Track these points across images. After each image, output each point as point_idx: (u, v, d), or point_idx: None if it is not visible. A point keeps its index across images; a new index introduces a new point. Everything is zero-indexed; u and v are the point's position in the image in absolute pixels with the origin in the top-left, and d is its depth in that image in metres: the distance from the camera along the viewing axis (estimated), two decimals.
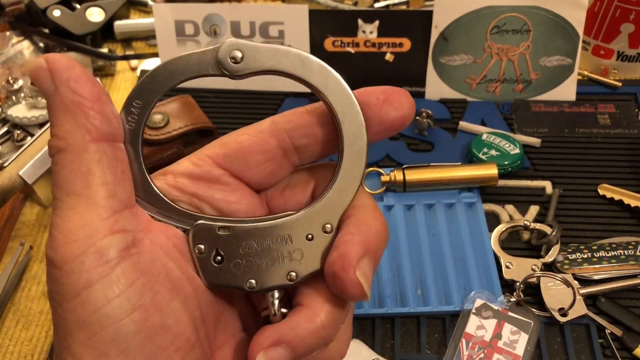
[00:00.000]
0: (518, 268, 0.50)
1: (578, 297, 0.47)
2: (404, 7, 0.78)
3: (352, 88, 0.27)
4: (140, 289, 0.24)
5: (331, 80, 0.26)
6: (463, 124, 0.62)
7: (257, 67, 0.26)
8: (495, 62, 0.64)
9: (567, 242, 0.52)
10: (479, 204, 0.54)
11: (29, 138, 0.60)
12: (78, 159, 0.24)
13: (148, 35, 0.77)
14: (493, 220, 0.55)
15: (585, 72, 0.68)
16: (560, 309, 0.47)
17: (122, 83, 0.72)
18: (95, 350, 0.23)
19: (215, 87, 0.66)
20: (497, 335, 0.46)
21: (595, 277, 0.49)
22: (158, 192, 0.27)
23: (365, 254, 0.26)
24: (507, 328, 0.46)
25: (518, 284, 0.48)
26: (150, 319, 0.24)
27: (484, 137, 0.59)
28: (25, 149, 0.57)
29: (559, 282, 0.48)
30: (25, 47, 0.73)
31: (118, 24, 0.76)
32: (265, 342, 0.25)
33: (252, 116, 0.63)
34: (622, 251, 0.50)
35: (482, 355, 0.45)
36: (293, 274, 0.27)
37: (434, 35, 0.63)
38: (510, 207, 0.55)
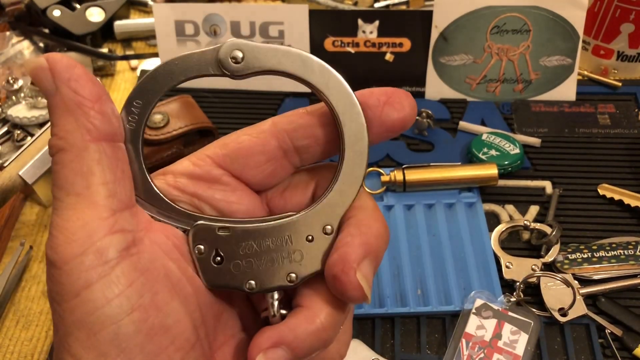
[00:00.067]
0: (518, 268, 0.50)
1: (578, 297, 0.47)
2: (404, 7, 0.78)
3: (353, 88, 0.26)
4: (139, 289, 0.24)
5: (332, 81, 0.26)
6: (463, 124, 0.62)
7: (257, 67, 0.26)
8: (495, 62, 0.64)
9: (567, 242, 0.52)
10: (479, 204, 0.54)
11: (29, 138, 0.60)
12: (78, 158, 0.24)
13: (148, 35, 0.77)
14: (493, 220, 0.55)
15: (585, 72, 0.68)
16: (560, 309, 0.47)
17: (122, 83, 0.72)
18: (95, 350, 0.23)
19: (215, 87, 0.66)
20: (497, 335, 0.46)
21: (595, 277, 0.49)
22: (158, 192, 0.27)
23: (365, 255, 0.26)
24: (507, 328, 0.46)
25: (518, 284, 0.48)
26: (149, 319, 0.24)
27: (484, 137, 0.59)
28: (25, 149, 0.57)
29: (559, 282, 0.48)
30: (25, 47, 0.73)
31: (118, 24, 0.76)
32: (264, 344, 0.25)
33: (252, 116, 0.63)
34: (622, 251, 0.50)
35: (482, 355, 0.45)
36: (293, 275, 0.27)
37: (434, 35, 0.63)
38: (510, 207, 0.55)
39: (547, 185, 0.57)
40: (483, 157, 0.57)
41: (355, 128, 0.26)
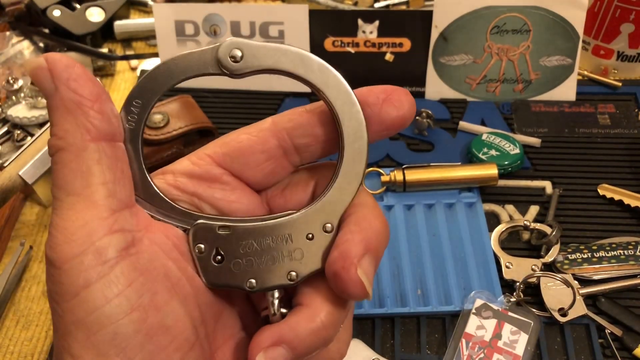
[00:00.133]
0: (518, 268, 0.50)
1: (578, 297, 0.47)
2: (404, 7, 0.78)
3: (352, 88, 0.26)
4: (139, 288, 0.24)
5: (331, 79, 0.26)
6: (463, 124, 0.62)
7: (257, 66, 0.26)
8: (495, 62, 0.64)
9: (567, 242, 0.52)
10: (479, 204, 0.54)
11: (29, 138, 0.60)
12: (77, 158, 0.23)
13: (148, 35, 0.77)
14: (493, 220, 0.55)
15: (585, 72, 0.68)
16: (560, 309, 0.47)
17: (122, 83, 0.72)
18: (94, 349, 0.23)
19: (215, 87, 0.66)
20: (497, 335, 0.46)
21: (595, 277, 0.49)
22: (158, 191, 0.27)
23: (366, 252, 0.26)
24: (507, 328, 0.46)
25: (518, 284, 0.48)
26: (149, 319, 0.24)
27: (484, 137, 0.59)
28: (25, 149, 0.57)
29: (559, 282, 0.48)
30: (25, 47, 0.73)
31: (118, 24, 0.76)
32: (265, 342, 0.25)
33: (252, 116, 0.63)
34: (622, 251, 0.50)
35: (482, 355, 0.45)
36: (293, 273, 0.27)
37: (434, 35, 0.63)
38: (510, 207, 0.55)
39: (547, 185, 0.57)
40: (483, 157, 0.57)
41: (355, 126, 0.26)
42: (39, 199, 0.58)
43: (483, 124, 0.63)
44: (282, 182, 0.29)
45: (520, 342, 0.45)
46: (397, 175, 0.54)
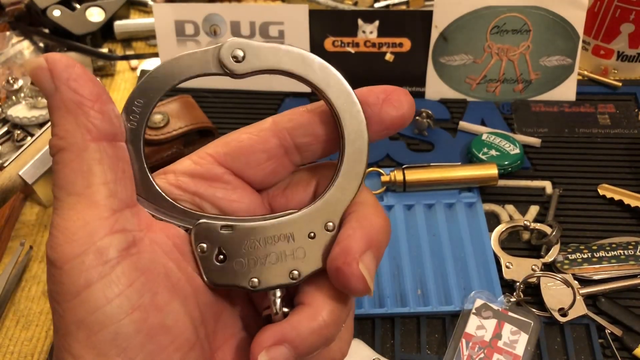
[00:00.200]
0: (518, 268, 0.50)
1: (578, 297, 0.47)
2: (404, 7, 0.78)
3: (352, 88, 0.27)
4: (140, 288, 0.24)
5: (332, 79, 0.26)
6: (463, 124, 0.62)
7: (258, 66, 0.26)
8: (495, 62, 0.64)
9: (567, 242, 0.52)
10: (479, 204, 0.54)
11: (29, 138, 0.60)
12: (78, 158, 0.23)
13: (148, 35, 0.77)
14: (493, 220, 0.55)
15: (585, 72, 0.68)
16: (560, 309, 0.47)
17: (122, 83, 0.72)
18: (95, 349, 0.23)
19: (215, 87, 0.66)
20: (497, 335, 0.46)
21: (595, 277, 0.49)
22: (160, 191, 0.27)
23: (367, 248, 0.26)
24: (507, 328, 0.46)
25: (518, 284, 0.48)
26: (149, 319, 0.24)
27: (484, 137, 0.59)
28: (25, 149, 0.57)
29: (559, 282, 0.48)
30: (25, 47, 0.73)
31: (118, 24, 0.76)
32: (267, 341, 0.25)
33: (252, 116, 0.63)
34: (622, 251, 0.50)
35: (482, 355, 0.45)
36: (295, 272, 0.27)
37: (434, 35, 0.63)
38: (510, 207, 0.55)
39: (547, 185, 0.57)
40: (483, 157, 0.57)
41: (355, 125, 0.26)
42: (39, 199, 0.58)
43: (483, 124, 0.63)
44: (283, 181, 0.29)
45: (520, 342, 0.45)
46: (397, 175, 0.54)
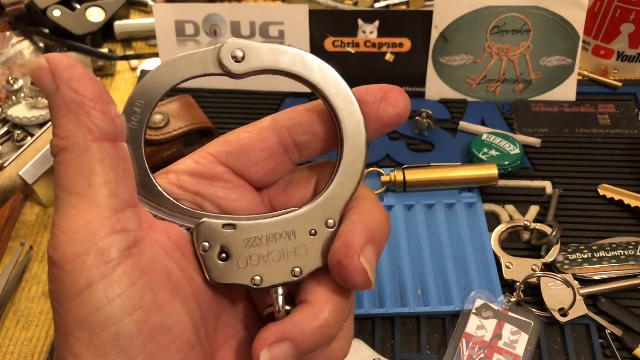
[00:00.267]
0: (518, 268, 0.50)
1: (578, 297, 0.47)
2: (404, 7, 0.78)
3: (352, 88, 0.27)
4: (141, 288, 0.24)
5: (330, 79, 0.27)
6: (463, 124, 0.62)
7: (257, 66, 0.26)
8: (495, 62, 0.64)
9: (567, 242, 0.52)
10: (479, 204, 0.54)
11: (29, 138, 0.60)
12: (80, 158, 0.23)
13: (148, 35, 0.77)
14: (493, 220, 0.55)
15: (585, 72, 0.68)
16: (560, 309, 0.47)
17: (122, 83, 0.72)
18: (96, 349, 0.23)
19: (215, 87, 0.66)
20: (497, 335, 0.46)
21: (595, 277, 0.49)
22: (161, 190, 0.27)
23: (368, 242, 0.26)
24: (507, 328, 0.46)
25: (518, 284, 0.48)
26: (151, 319, 0.24)
27: (484, 137, 0.59)
28: (25, 149, 0.57)
29: (559, 282, 0.48)
30: (25, 47, 0.73)
31: (118, 24, 0.76)
32: (269, 339, 0.25)
33: (252, 116, 0.63)
34: (622, 251, 0.50)
35: (482, 355, 0.45)
36: (297, 269, 0.27)
37: (434, 35, 0.63)
38: (510, 207, 0.55)
39: (547, 185, 0.57)
40: (483, 157, 0.57)
41: (354, 124, 0.27)
42: (39, 199, 0.58)
43: (483, 124, 0.63)
44: (283, 180, 0.29)
45: (521, 342, 0.45)
46: (397, 175, 0.54)
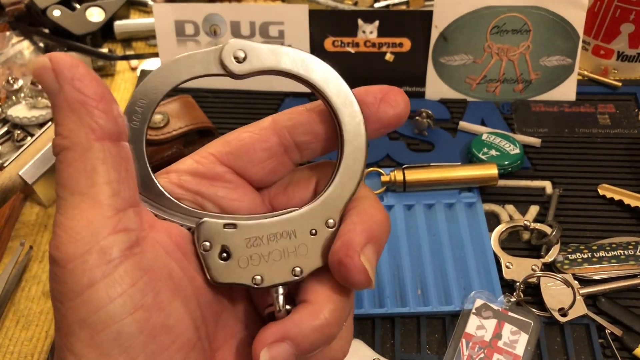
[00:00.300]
0: (518, 268, 0.50)
1: (578, 297, 0.47)
2: (404, 7, 0.78)
3: (352, 88, 0.27)
4: (142, 288, 0.24)
5: (331, 80, 0.27)
6: (463, 124, 0.62)
7: (259, 67, 0.26)
8: (495, 62, 0.64)
9: (567, 242, 0.52)
10: (479, 204, 0.54)
11: (29, 138, 0.60)
12: (82, 157, 0.23)
13: (148, 35, 0.77)
14: (493, 220, 0.55)
15: (585, 72, 0.68)
16: (560, 309, 0.47)
17: (122, 83, 0.72)
18: (97, 349, 0.23)
19: (215, 87, 0.66)
20: (497, 335, 0.46)
21: (595, 277, 0.50)
22: (162, 190, 0.27)
23: (368, 241, 0.26)
24: (507, 328, 0.46)
25: (518, 284, 0.48)
26: (152, 319, 0.24)
27: (484, 137, 0.59)
28: (25, 149, 0.57)
29: (559, 282, 0.48)
30: (25, 47, 0.73)
31: (118, 24, 0.76)
32: (269, 338, 0.25)
33: (252, 116, 0.63)
34: (622, 251, 0.50)
35: (482, 355, 0.45)
36: (298, 269, 0.27)
37: (434, 35, 0.63)
38: (510, 207, 0.55)
39: (547, 185, 0.57)
40: (483, 157, 0.57)
41: (354, 124, 0.27)
42: (39, 199, 0.58)
43: (483, 124, 0.63)
44: (283, 180, 0.30)
45: (520, 342, 0.45)
46: (397, 175, 0.54)
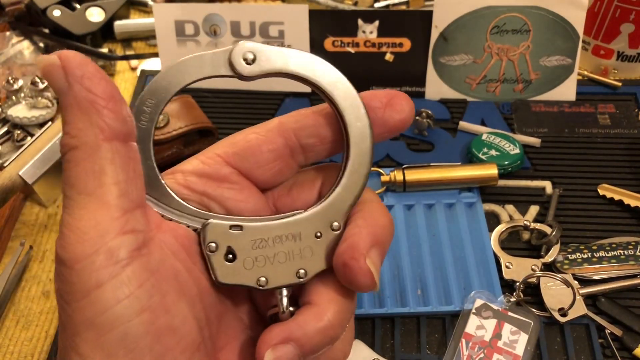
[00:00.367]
0: (518, 268, 0.50)
1: (578, 297, 0.47)
2: (404, 7, 0.78)
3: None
4: (149, 289, 0.24)
5: (339, 83, 0.27)
6: (463, 124, 0.62)
7: (268, 69, 0.27)
8: (495, 62, 0.64)
9: (567, 242, 0.52)
10: (479, 204, 0.54)
11: (29, 138, 0.60)
12: (91, 157, 0.23)
13: (148, 35, 0.77)
14: (493, 220, 0.55)
15: (585, 72, 0.68)
16: (560, 309, 0.47)
17: (122, 83, 0.72)
18: (104, 350, 0.23)
19: (215, 87, 0.66)
20: (497, 335, 0.46)
21: (595, 277, 0.50)
22: (170, 190, 0.27)
23: (373, 244, 0.26)
24: (507, 328, 0.46)
25: (518, 284, 0.49)
26: (158, 320, 0.24)
27: (484, 137, 0.59)
28: (25, 149, 0.57)
29: (559, 282, 0.48)
30: (25, 47, 0.73)
31: (118, 24, 0.76)
32: (273, 340, 0.25)
33: (252, 116, 0.63)
34: (622, 251, 0.50)
35: (482, 355, 0.45)
36: (302, 271, 0.27)
37: (434, 35, 0.64)
38: (510, 207, 0.55)
39: (547, 185, 0.57)
40: (483, 157, 0.57)
41: (361, 128, 0.27)
42: (39, 199, 0.58)
43: (483, 124, 0.63)
44: (288, 182, 0.30)
45: (520, 342, 0.45)
46: (397, 175, 0.54)
